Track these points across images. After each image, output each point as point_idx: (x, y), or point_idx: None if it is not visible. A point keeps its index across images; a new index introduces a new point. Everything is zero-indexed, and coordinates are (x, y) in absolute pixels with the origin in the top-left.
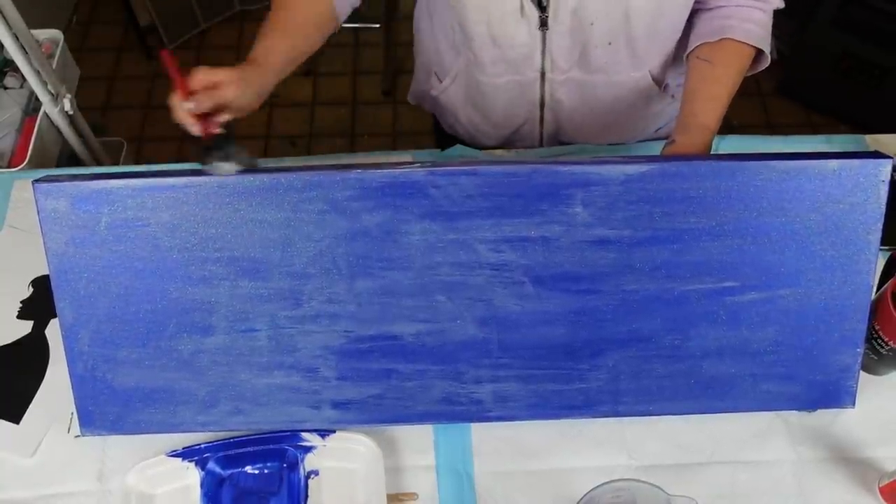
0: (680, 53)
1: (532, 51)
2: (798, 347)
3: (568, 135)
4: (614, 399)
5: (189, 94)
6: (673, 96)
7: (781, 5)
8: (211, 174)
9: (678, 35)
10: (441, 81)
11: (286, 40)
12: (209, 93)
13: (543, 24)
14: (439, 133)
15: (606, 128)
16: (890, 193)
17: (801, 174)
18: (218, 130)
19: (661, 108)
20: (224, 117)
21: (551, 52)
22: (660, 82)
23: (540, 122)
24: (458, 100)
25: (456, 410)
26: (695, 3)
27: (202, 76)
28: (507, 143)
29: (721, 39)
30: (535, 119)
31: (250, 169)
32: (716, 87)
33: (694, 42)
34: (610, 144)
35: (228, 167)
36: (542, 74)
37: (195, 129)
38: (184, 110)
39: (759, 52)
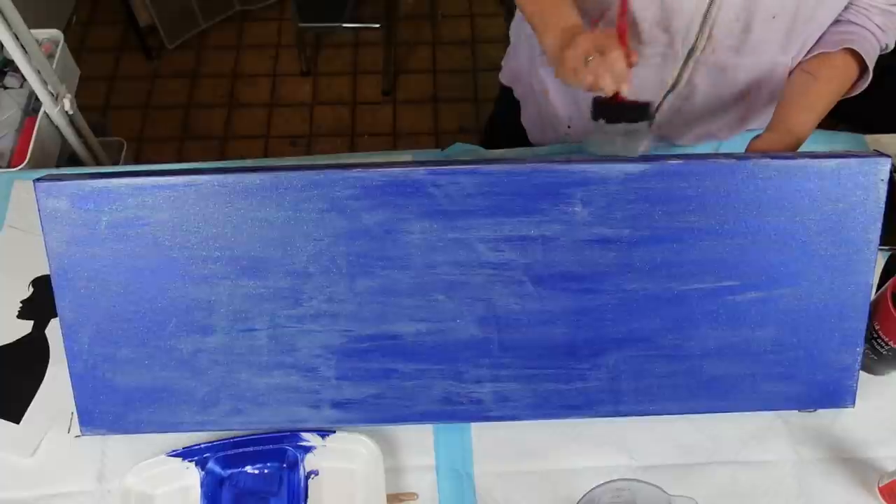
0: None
1: (691, 23)
2: (798, 347)
3: (673, 127)
4: (615, 399)
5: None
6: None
7: (893, 47)
8: (607, 141)
9: (829, 23)
10: None
11: None
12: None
13: None
14: (501, 127)
15: (717, 120)
16: (889, 193)
17: (800, 173)
18: (629, 99)
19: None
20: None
21: (712, 25)
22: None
23: (657, 107)
24: None
25: (456, 410)
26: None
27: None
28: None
29: (832, 52)
30: (653, 103)
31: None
32: (810, 100)
33: (810, 53)
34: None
35: (644, 146)
36: (691, 53)
37: (626, 88)
38: (628, 68)
39: (861, 72)
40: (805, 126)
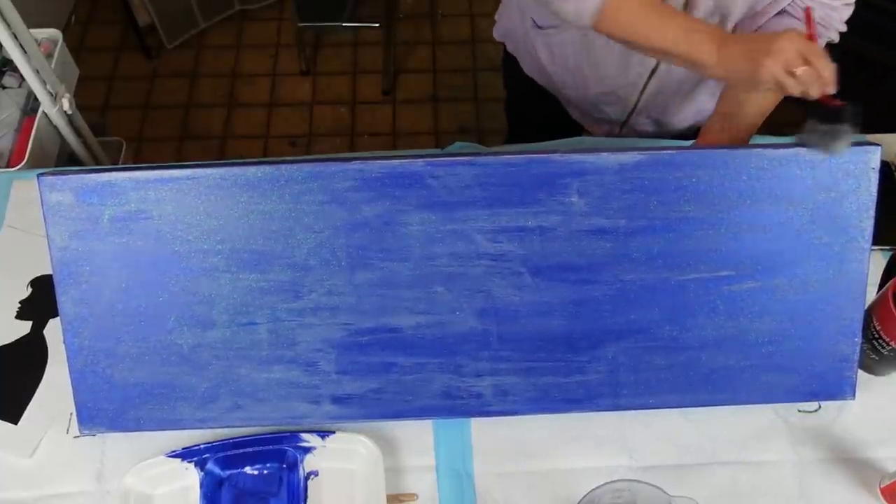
0: None
1: (676, 5)
2: (796, 337)
3: (660, 108)
4: (614, 392)
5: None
6: None
7: (836, 40)
8: (815, 146)
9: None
10: (554, 26)
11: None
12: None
13: None
14: (511, 77)
15: (700, 106)
16: (889, 193)
17: (791, 162)
18: (839, 102)
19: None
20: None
21: (694, 10)
22: None
23: (642, 89)
24: (570, 45)
25: (456, 405)
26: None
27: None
28: (599, 101)
29: None
30: (638, 84)
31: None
32: (763, 108)
33: None
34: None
35: (843, 145)
36: None
37: (831, 88)
38: (834, 72)
39: None
40: (754, 124)
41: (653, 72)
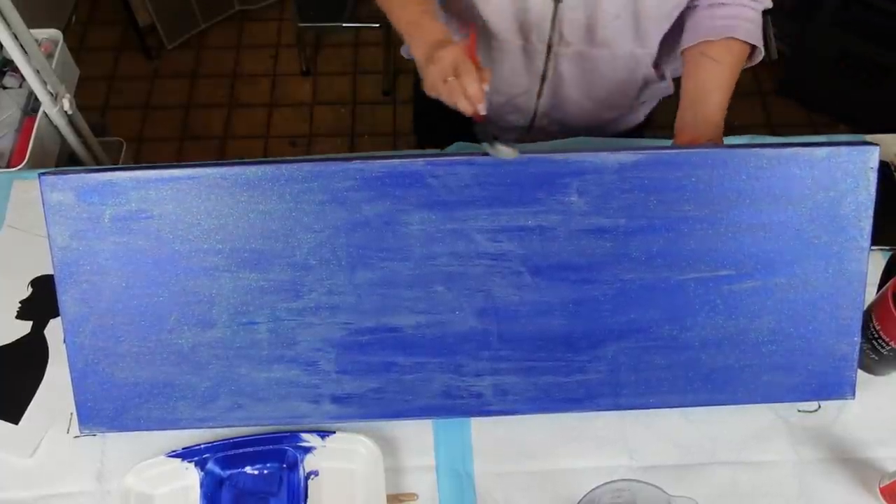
0: (675, 40)
1: (543, 20)
2: (795, 337)
3: (562, 110)
4: (614, 391)
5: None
6: (663, 77)
7: (770, 5)
8: (490, 155)
9: (676, 17)
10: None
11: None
12: (485, 70)
13: None
14: (417, 91)
15: (600, 104)
16: (889, 193)
17: (790, 162)
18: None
19: (653, 90)
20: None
21: (561, 24)
22: (657, 63)
23: (538, 94)
24: None
25: (456, 404)
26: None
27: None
28: (500, 112)
29: (725, 38)
30: (533, 91)
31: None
32: (724, 87)
33: (694, 38)
34: (601, 127)
35: (510, 151)
36: (549, 47)
37: (484, 108)
38: (482, 90)
39: (752, 49)
40: (723, 112)
41: (543, 78)
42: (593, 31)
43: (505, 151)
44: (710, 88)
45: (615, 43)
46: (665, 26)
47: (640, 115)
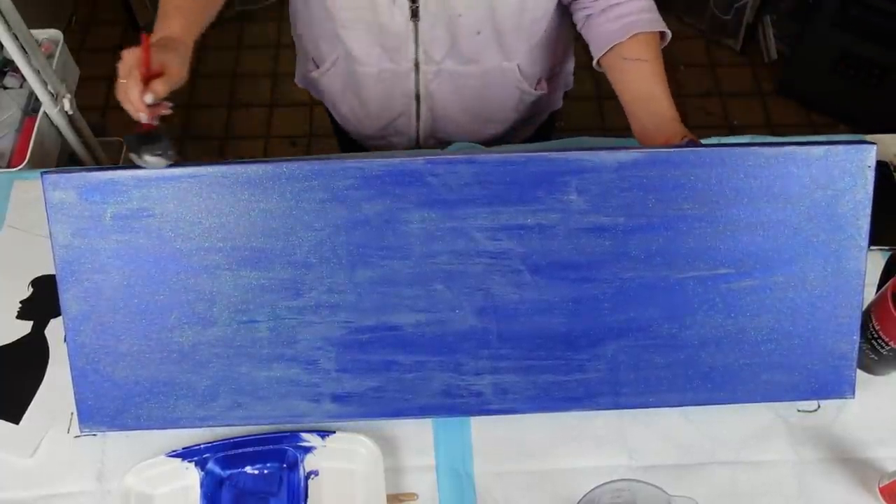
0: (552, 53)
1: (405, 41)
2: (794, 335)
3: (444, 130)
4: (614, 391)
5: (147, 82)
6: (543, 88)
7: None
8: (141, 167)
9: (543, 30)
10: (318, 67)
11: (201, 13)
12: (165, 79)
13: (415, 14)
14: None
15: (479, 120)
16: (889, 193)
17: (788, 160)
18: (156, 124)
19: (534, 102)
20: (165, 110)
21: (424, 43)
22: (530, 75)
23: (416, 116)
24: (337, 87)
25: (456, 403)
26: (579, 7)
27: (159, 64)
28: (384, 135)
29: (632, 36)
30: (410, 112)
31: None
32: (660, 80)
33: (604, 46)
34: (488, 142)
35: (157, 161)
36: (417, 66)
37: (145, 117)
38: (141, 99)
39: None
40: (673, 105)
41: (417, 98)
42: (457, 47)
43: (153, 162)
44: (648, 86)
45: (481, 58)
46: (531, 40)
47: (528, 131)
